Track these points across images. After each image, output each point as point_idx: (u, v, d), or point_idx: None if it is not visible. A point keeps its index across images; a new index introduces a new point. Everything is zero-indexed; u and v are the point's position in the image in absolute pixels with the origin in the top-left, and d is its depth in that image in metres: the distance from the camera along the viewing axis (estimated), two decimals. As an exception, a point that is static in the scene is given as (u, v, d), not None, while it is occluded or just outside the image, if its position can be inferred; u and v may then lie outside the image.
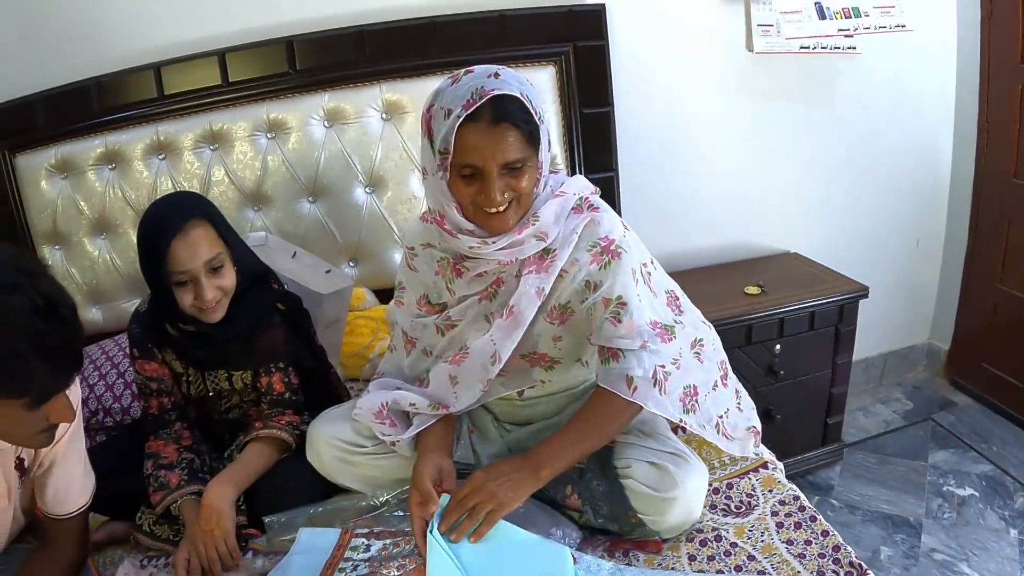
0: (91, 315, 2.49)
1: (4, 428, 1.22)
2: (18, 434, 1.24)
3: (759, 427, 1.68)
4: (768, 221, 3.01)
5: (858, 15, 2.68)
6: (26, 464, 1.43)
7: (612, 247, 1.47)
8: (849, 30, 2.68)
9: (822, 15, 2.65)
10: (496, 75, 1.36)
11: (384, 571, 1.39)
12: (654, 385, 1.45)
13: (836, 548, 1.42)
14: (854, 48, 2.73)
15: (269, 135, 2.40)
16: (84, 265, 2.45)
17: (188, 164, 2.39)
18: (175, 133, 2.37)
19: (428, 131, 1.41)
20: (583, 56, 2.46)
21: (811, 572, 1.37)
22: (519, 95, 1.35)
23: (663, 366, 1.46)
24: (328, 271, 2.19)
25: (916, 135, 3.05)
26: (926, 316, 3.44)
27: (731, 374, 1.68)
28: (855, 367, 3.12)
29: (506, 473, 1.41)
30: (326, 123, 2.42)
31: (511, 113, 1.34)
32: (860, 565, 1.36)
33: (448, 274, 1.56)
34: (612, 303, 1.46)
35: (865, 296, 2.61)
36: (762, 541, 1.47)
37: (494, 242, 1.45)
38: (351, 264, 2.53)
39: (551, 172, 1.53)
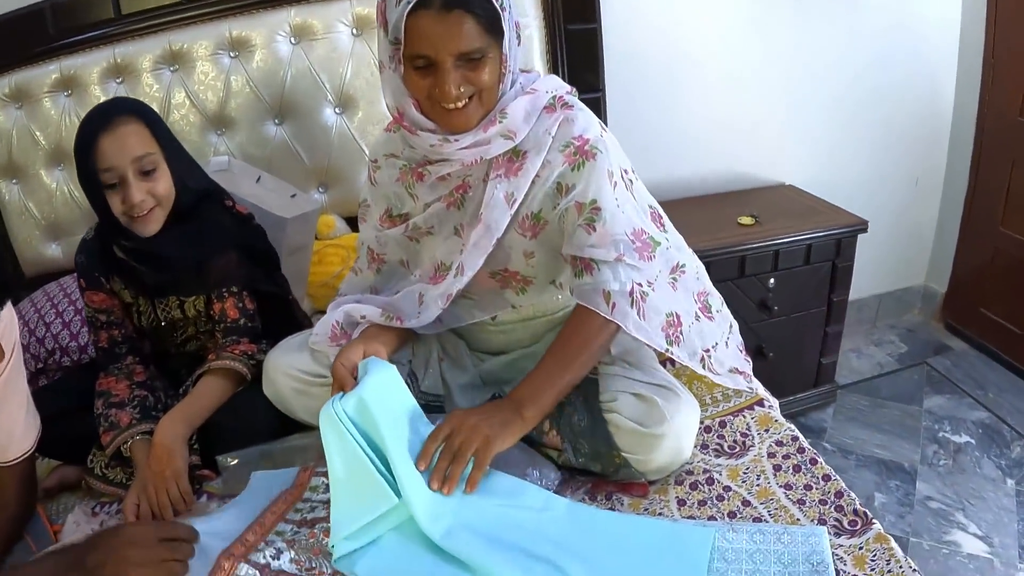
0: (50, 251, 2.41)
1: None
2: None
3: (744, 368, 1.54)
4: (762, 151, 2.92)
5: None
6: None
7: (586, 147, 1.36)
8: None
9: None
10: None
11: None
12: (631, 304, 1.32)
13: (839, 494, 1.31)
14: None
15: (232, 54, 2.27)
16: (42, 198, 2.35)
17: (147, 87, 2.26)
18: (133, 55, 2.25)
19: (383, 20, 1.30)
20: (568, -34, 2.33)
21: (811, 520, 1.26)
22: None
23: (640, 284, 1.33)
24: (294, 195, 2.07)
25: (918, 68, 2.94)
26: (923, 258, 3.37)
27: (725, 308, 1.54)
28: (848, 308, 3.04)
29: (488, 412, 1.30)
30: (293, 39, 2.29)
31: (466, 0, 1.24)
32: (865, 513, 1.25)
33: (409, 179, 1.46)
34: (586, 208, 1.35)
35: (864, 231, 2.53)
36: (758, 485, 1.36)
37: (456, 140, 1.34)
38: (320, 190, 2.42)
39: (522, 71, 1.42)
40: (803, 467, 1.38)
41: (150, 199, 1.51)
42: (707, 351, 1.42)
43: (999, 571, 2.12)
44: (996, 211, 2.93)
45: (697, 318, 1.43)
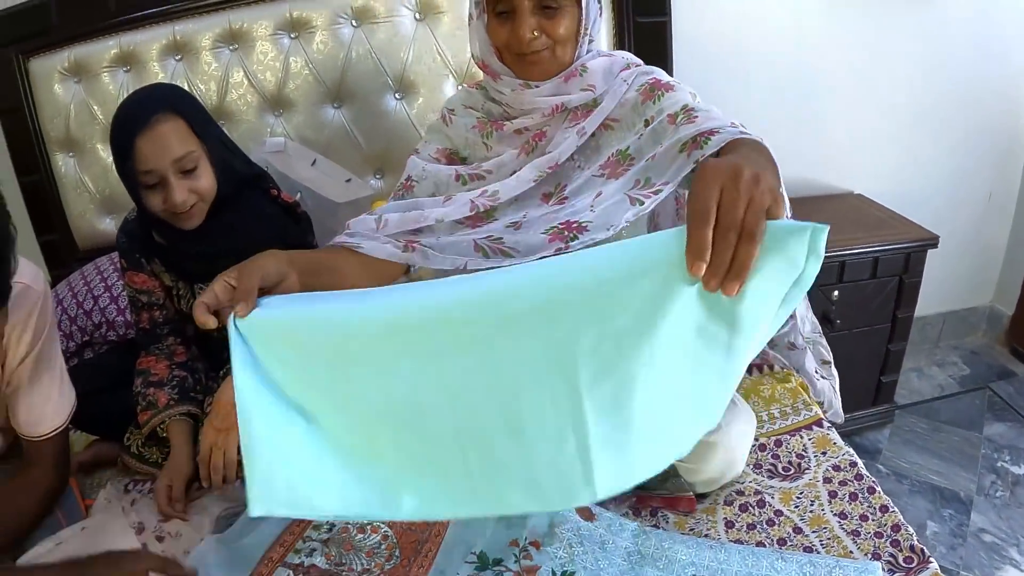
0: (104, 225, 2.43)
1: None
2: None
3: None
4: (832, 157, 2.85)
5: None
6: None
7: (661, 83, 1.38)
8: None
9: None
10: None
11: (377, 514, 1.26)
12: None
13: (895, 528, 1.24)
14: None
15: (292, 35, 2.27)
16: (97, 173, 2.38)
17: (206, 65, 2.28)
18: (193, 32, 2.26)
19: None
20: (640, -40, 2.29)
21: (865, 553, 1.20)
22: None
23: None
24: (348, 180, 2.08)
25: (998, 81, 2.84)
26: (991, 277, 3.25)
27: None
28: (912, 325, 2.97)
29: (752, 160, 0.92)
30: (354, 22, 2.27)
31: None
32: (922, 551, 1.19)
33: (488, 128, 1.48)
34: (679, 114, 1.30)
35: (935, 246, 2.45)
36: (811, 512, 1.29)
37: (538, 86, 1.38)
38: (376, 176, 2.41)
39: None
40: (860, 495, 1.31)
41: (192, 196, 1.49)
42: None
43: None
44: None
45: None
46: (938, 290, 3.04)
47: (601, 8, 1.43)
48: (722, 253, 0.74)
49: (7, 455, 1.55)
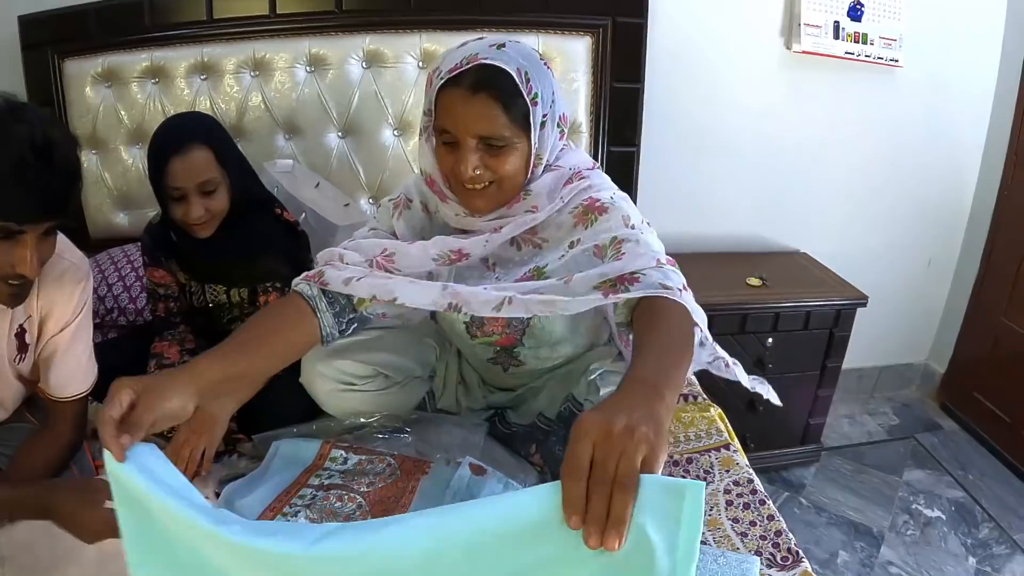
0: (118, 219, 2.61)
1: None
2: None
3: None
4: (783, 219, 3.05)
5: (865, 42, 2.72)
6: (26, 338, 1.54)
7: (596, 204, 1.39)
8: (854, 54, 2.72)
9: (837, 34, 2.68)
10: (501, 46, 1.30)
11: (355, 484, 1.50)
12: (684, 295, 1.27)
13: (778, 533, 1.48)
14: (896, 61, 2.76)
15: (309, 68, 2.47)
16: (117, 172, 2.56)
17: (228, 87, 2.47)
18: (219, 56, 2.46)
19: (428, 88, 1.37)
20: (621, 31, 2.49)
21: (749, 550, 1.43)
22: (512, 70, 1.27)
23: (681, 286, 1.29)
24: (347, 204, 2.29)
25: (944, 158, 3.07)
26: (927, 337, 3.47)
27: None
28: (848, 375, 3.20)
29: (627, 405, 0.86)
30: (364, 64, 2.48)
31: (494, 85, 1.27)
32: (797, 552, 1.42)
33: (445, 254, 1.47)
34: (607, 247, 1.34)
35: (864, 305, 2.64)
36: (709, 515, 1.53)
37: (479, 217, 1.41)
38: (371, 201, 2.60)
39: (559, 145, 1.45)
40: (752, 505, 1.55)
41: (207, 213, 1.72)
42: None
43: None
44: (1001, 301, 3.02)
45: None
46: (875, 345, 3.27)
47: (557, 128, 1.39)
48: (596, 506, 0.75)
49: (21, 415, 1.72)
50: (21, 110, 1.26)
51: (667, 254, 1.37)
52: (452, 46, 1.37)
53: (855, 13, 2.66)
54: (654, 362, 1.02)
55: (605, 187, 1.45)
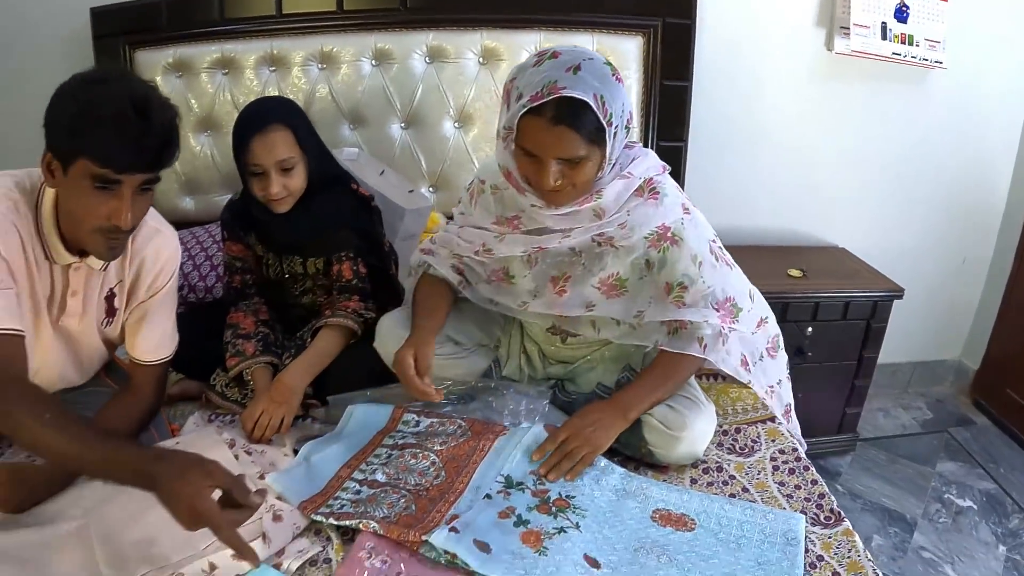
0: (184, 204, 2.71)
1: (74, 206, 1.39)
2: (83, 220, 1.39)
3: (791, 405, 1.94)
4: (821, 214, 3.12)
5: (911, 43, 2.78)
6: (115, 303, 1.65)
7: (668, 234, 1.60)
8: (901, 55, 2.79)
9: (884, 35, 2.75)
10: (576, 69, 1.40)
11: (428, 444, 1.63)
12: (722, 343, 1.68)
13: (821, 496, 1.60)
14: (940, 62, 2.82)
15: (374, 62, 2.59)
16: (185, 158, 2.63)
17: (296, 79, 2.59)
18: (288, 49, 2.57)
19: (507, 101, 1.50)
20: (671, 31, 2.60)
21: (795, 509, 1.55)
22: (590, 98, 1.38)
23: (719, 332, 1.67)
24: (411, 191, 2.40)
25: (979, 158, 3.13)
26: (961, 334, 3.52)
27: (782, 350, 1.90)
28: (883, 369, 3.23)
29: (597, 419, 1.60)
30: (427, 59, 2.60)
31: (574, 116, 1.39)
32: (839, 512, 1.54)
33: (503, 226, 1.70)
34: (674, 288, 1.62)
35: (900, 297, 2.72)
36: (757, 479, 1.65)
37: (552, 208, 1.57)
38: (431, 189, 2.71)
39: (625, 147, 1.59)
40: (797, 471, 1.67)
41: (284, 190, 1.83)
42: (771, 387, 1.83)
43: (973, 623, 2.25)
44: None
45: (761, 358, 1.82)
46: (910, 340, 3.33)
47: (628, 130, 1.52)
48: (556, 459, 1.57)
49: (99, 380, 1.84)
50: (125, 74, 1.39)
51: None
52: (525, 62, 1.50)
53: (901, 15, 2.74)
54: (636, 392, 1.65)
55: (674, 207, 1.62)
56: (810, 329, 2.71)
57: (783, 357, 1.96)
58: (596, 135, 1.43)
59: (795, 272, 2.77)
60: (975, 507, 2.74)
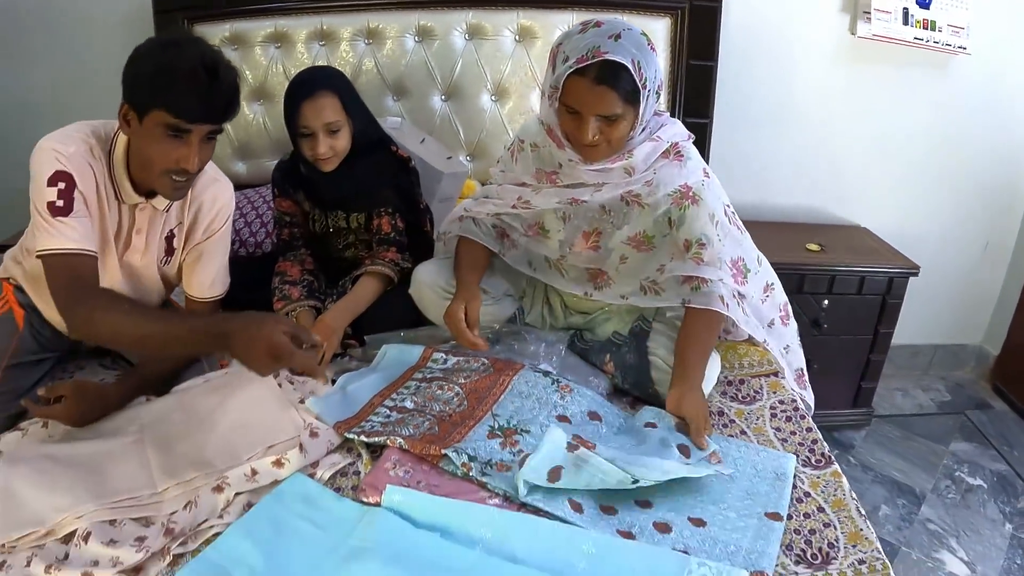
0: (236, 168, 2.88)
1: (147, 151, 1.57)
2: (154, 163, 1.58)
3: (804, 370, 2.08)
4: (845, 194, 3.20)
5: (934, 28, 2.85)
6: (174, 243, 1.84)
7: (690, 193, 1.74)
8: (923, 40, 2.85)
9: (906, 20, 2.83)
10: (617, 37, 1.57)
11: (454, 378, 1.79)
12: (738, 304, 1.81)
13: (814, 441, 1.71)
14: (964, 48, 2.88)
15: (417, 38, 2.75)
16: (240, 124, 2.82)
17: (344, 53, 2.75)
18: (337, 25, 2.74)
19: (553, 64, 1.67)
20: (697, 13, 2.71)
21: (789, 451, 1.67)
22: (628, 62, 1.55)
23: (738, 293, 1.82)
24: (449, 157, 2.55)
25: (1003, 147, 3.17)
26: (983, 320, 3.55)
27: (792, 318, 2.03)
28: (903, 350, 3.35)
29: (695, 403, 1.68)
30: (466, 36, 2.76)
31: (614, 77, 1.56)
32: (830, 456, 1.66)
33: (542, 179, 1.87)
34: (692, 244, 1.76)
35: (915, 275, 2.79)
36: (755, 424, 1.77)
37: (588, 164, 1.74)
38: (468, 158, 2.86)
39: (655, 114, 1.76)
40: (793, 419, 1.79)
41: (331, 151, 1.99)
42: (786, 347, 1.97)
43: (975, 593, 2.30)
44: None
45: (771, 324, 1.96)
46: (931, 323, 3.40)
47: (658, 95, 1.69)
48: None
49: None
50: (196, 39, 1.59)
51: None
52: (571, 29, 1.67)
53: (923, 2, 2.82)
54: (689, 368, 1.74)
55: (696, 170, 1.78)
56: (826, 302, 2.79)
57: (794, 325, 2.08)
58: (632, 96, 1.60)
59: (813, 246, 2.86)
60: (985, 486, 2.78)
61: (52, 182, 1.55)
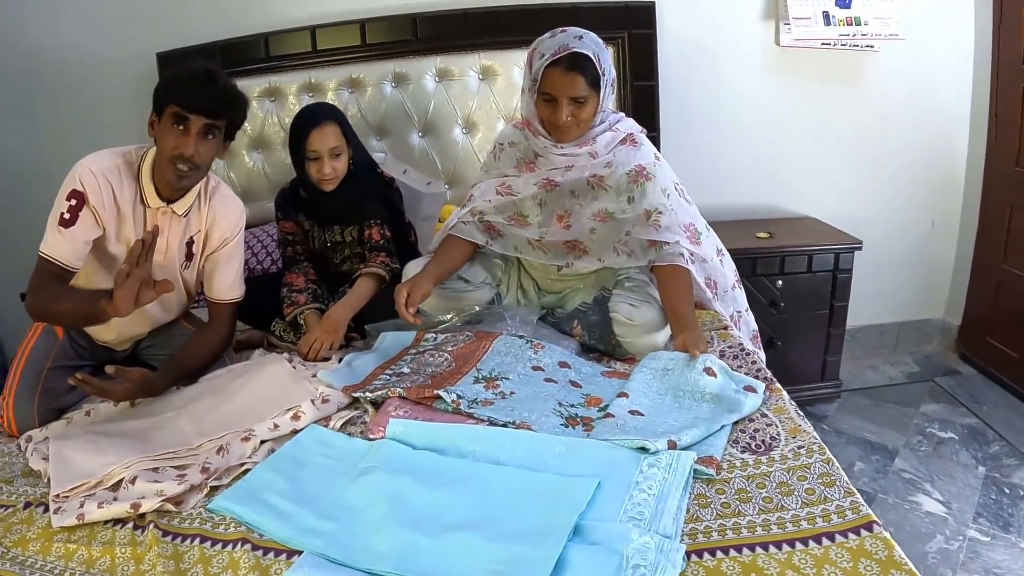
0: None
1: (160, 144, 1.89)
2: (163, 151, 1.89)
3: (756, 331, 2.36)
4: (792, 189, 3.42)
5: (859, 24, 3.11)
6: (193, 249, 2.13)
7: (644, 171, 2.09)
8: (850, 35, 3.11)
9: (828, 22, 3.10)
10: (580, 37, 1.96)
11: (444, 347, 2.08)
12: (695, 263, 2.09)
13: (759, 369, 1.95)
14: (872, 47, 3.15)
15: (393, 84, 3.09)
16: (241, 171, 3.17)
17: (331, 101, 3.00)
18: (323, 78, 3.08)
19: (529, 64, 2.02)
20: (637, 41, 3.04)
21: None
22: (591, 55, 1.94)
23: (691, 256, 2.08)
24: (429, 183, 2.90)
25: (934, 124, 3.37)
26: (942, 293, 3.69)
27: (741, 287, 2.34)
28: (871, 330, 3.55)
29: (691, 335, 1.92)
30: (436, 79, 3.10)
31: (581, 66, 1.93)
32: (772, 379, 1.89)
33: (523, 168, 2.21)
34: (652, 214, 2.08)
35: (860, 248, 3.00)
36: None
37: (559, 147, 2.09)
38: (446, 186, 3.13)
39: (612, 112, 2.15)
40: (740, 356, 2.03)
41: (333, 171, 2.33)
42: (739, 312, 2.26)
43: (951, 527, 2.42)
44: (999, 250, 3.29)
45: (733, 288, 2.26)
46: (893, 302, 3.59)
47: (613, 88, 2.09)
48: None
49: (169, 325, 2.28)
50: (205, 61, 1.98)
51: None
52: (542, 36, 2.01)
53: (843, 2, 3.09)
54: (689, 315, 1.99)
55: (648, 153, 2.14)
56: (780, 282, 3.01)
57: (743, 292, 2.38)
58: (595, 81, 1.96)
59: (763, 234, 3.10)
60: (956, 438, 2.92)
61: (69, 198, 1.89)
